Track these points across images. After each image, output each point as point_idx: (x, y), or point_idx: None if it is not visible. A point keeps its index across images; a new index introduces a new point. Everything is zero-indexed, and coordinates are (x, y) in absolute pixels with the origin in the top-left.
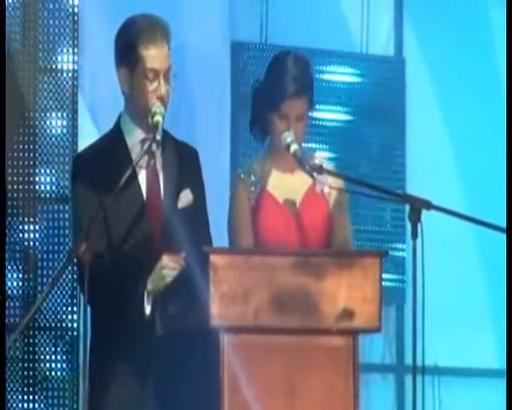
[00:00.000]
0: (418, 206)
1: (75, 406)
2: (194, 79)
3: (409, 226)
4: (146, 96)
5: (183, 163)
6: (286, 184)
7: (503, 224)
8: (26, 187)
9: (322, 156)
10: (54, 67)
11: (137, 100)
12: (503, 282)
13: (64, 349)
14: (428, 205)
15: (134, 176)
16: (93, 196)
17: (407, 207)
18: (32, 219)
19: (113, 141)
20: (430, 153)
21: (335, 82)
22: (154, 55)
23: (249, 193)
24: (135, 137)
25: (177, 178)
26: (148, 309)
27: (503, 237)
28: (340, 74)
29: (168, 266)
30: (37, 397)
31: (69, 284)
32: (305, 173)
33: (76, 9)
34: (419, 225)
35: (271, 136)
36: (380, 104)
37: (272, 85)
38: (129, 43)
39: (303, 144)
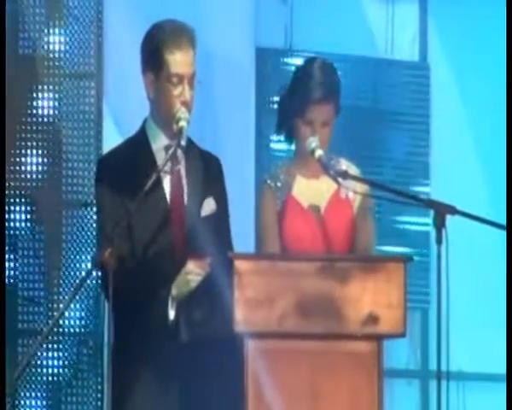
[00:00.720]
0: (443, 211)
1: None
2: (218, 85)
3: (433, 231)
4: (170, 102)
5: (207, 171)
6: (311, 190)
7: None
8: (52, 192)
9: (347, 162)
10: (78, 72)
11: (162, 105)
12: None
13: (88, 355)
14: (453, 210)
15: (158, 181)
16: (117, 200)
17: (432, 213)
18: (56, 224)
19: (138, 145)
20: (455, 158)
21: (360, 87)
22: (178, 60)
23: (275, 199)
24: (159, 143)
25: (200, 185)
26: (172, 314)
27: None
28: (364, 79)
29: (193, 272)
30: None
31: (93, 290)
32: (329, 179)
33: (101, 15)
34: (443, 231)
35: (297, 141)
36: (404, 109)
37: (298, 91)
38: (154, 48)
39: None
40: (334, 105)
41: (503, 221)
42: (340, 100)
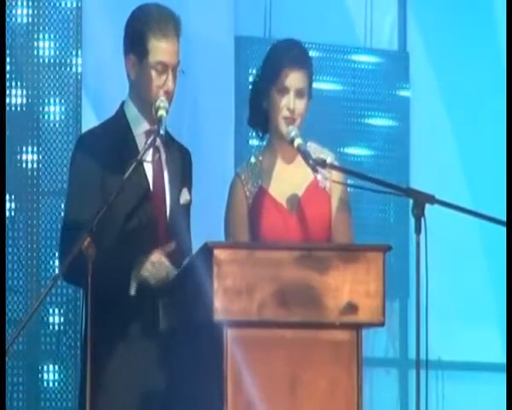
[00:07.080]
0: (422, 200)
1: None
2: (197, 73)
3: (412, 221)
4: (151, 89)
5: (182, 163)
6: (285, 181)
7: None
8: (30, 181)
9: (325, 151)
10: (57, 61)
11: (143, 90)
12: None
13: (67, 343)
14: (432, 199)
15: (141, 169)
16: (97, 183)
17: (410, 202)
18: (35, 213)
19: (119, 129)
20: (434, 147)
21: (339, 76)
22: (164, 49)
23: (246, 192)
24: (140, 127)
25: (178, 176)
26: (132, 289)
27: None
28: (344, 69)
29: (155, 264)
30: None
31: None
32: (305, 168)
33: (79, 3)
34: (422, 220)
35: (270, 129)
36: (384, 98)
37: (270, 66)
38: (139, 33)
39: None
40: (308, 73)
41: (483, 210)
42: (313, 71)
